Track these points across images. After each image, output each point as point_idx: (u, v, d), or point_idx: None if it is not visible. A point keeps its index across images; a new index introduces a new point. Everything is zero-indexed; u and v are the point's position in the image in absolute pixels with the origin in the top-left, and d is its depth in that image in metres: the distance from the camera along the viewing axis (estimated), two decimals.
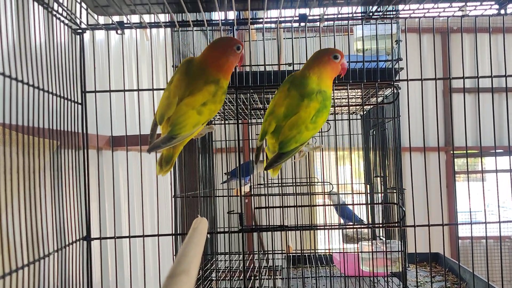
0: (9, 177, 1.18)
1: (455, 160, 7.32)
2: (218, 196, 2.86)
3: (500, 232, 1.82)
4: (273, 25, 1.78)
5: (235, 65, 1.40)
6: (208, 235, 1.62)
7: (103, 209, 2.15)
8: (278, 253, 3.42)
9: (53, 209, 1.47)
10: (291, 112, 1.38)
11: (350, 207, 3.12)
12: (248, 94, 2.00)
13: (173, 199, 2.23)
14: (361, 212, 3.91)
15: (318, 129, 1.45)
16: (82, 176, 1.70)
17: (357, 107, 3.04)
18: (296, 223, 1.88)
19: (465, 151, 1.91)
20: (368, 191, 3.34)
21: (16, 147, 1.26)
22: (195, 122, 1.31)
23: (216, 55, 1.36)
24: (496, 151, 6.59)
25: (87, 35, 2.01)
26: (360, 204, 3.41)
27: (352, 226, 1.93)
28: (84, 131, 1.71)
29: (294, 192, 1.99)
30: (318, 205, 2.36)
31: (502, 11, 1.63)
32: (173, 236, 2.03)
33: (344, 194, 3.59)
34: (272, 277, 2.93)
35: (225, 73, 1.37)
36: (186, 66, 1.37)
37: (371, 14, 1.70)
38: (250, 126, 3.29)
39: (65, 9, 1.50)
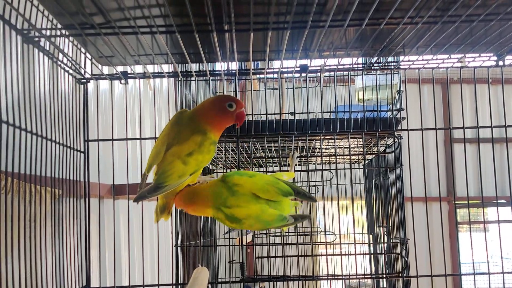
0: (10, 225, 1.18)
1: (458, 210, 7.28)
2: (220, 246, 2.84)
3: (504, 283, 1.79)
4: (275, 75, 1.80)
5: (229, 122, 1.37)
6: (209, 285, 1.60)
7: (103, 258, 2.13)
8: None
9: (54, 257, 1.46)
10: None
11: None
12: (251, 143, 2.01)
13: (174, 248, 2.22)
14: (364, 262, 3.87)
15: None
16: (83, 224, 1.69)
17: (359, 156, 3.05)
18: (298, 273, 1.86)
19: (466, 201, 1.90)
20: (371, 241, 3.31)
21: (17, 196, 1.26)
22: (180, 172, 1.28)
23: (207, 108, 1.35)
24: (498, 201, 6.56)
25: (91, 85, 2.03)
26: (363, 254, 3.37)
27: (355, 277, 1.91)
28: (86, 180, 1.71)
29: (297, 241, 1.97)
30: (321, 255, 2.35)
31: (501, 63, 1.66)
32: (174, 286, 2.01)
33: (347, 244, 3.57)
34: None
35: (214, 127, 1.34)
36: (177, 117, 1.36)
37: (371, 65, 1.72)
38: None
39: (70, 59, 1.53)
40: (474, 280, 1.81)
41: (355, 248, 1.97)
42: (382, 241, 3.00)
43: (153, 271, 3.04)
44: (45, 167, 1.38)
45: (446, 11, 1.20)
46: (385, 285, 3.02)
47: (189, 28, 1.20)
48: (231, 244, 2.99)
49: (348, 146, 2.53)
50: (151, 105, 3.19)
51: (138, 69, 1.67)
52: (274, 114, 2.46)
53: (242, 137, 1.95)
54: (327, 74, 1.77)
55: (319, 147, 2.65)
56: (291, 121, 2.18)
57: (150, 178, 1.34)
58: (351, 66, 1.70)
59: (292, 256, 1.97)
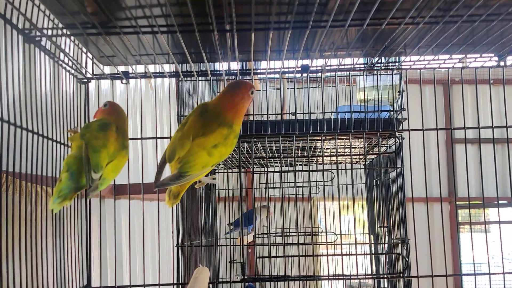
0: (11, 224, 1.18)
1: (459, 211, 7.28)
2: (221, 246, 2.83)
3: (504, 284, 1.79)
4: (276, 76, 1.80)
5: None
6: (210, 285, 1.60)
7: (104, 257, 2.13)
8: None
9: (55, 257, 1.46)
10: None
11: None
12: (252, 143, 2.01)
13: (175, 248, 2.22)
14: (365, 262, 3.87)
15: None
16: (84, 224, 1.69)
17: (360, 156, 3.05)
18: (299, 273, 1.86)
19: (467, 202, 1.90)
20: (372, 242, 3.31)
21: (19, 195, 1.26)
22: (204, 162, 1.31)
23: (236, 100, 1.36)
24: (499, 202, 6.55)
25: (92, 84, 2.04)
26: (364, 254, 3.37)
27: (356, 277, 1.91)
28: None
29: (297, 241, 1.97)
30: (322, 255, 2.35)
31: (502, 63, 1.65)
32: (175, 286, 2.01)
33: (348, 244, 3.56)
34: None
35: (239, 118, 1.37)
36: (201, 109, 1.37)
37: (372, 65, 1.72)
38: (253, 174, 3.29)
39: (71, 59, 1.53)
40: (475, 281, 1.81)
41: (356, 248, 1.97)
42: (383, 242, 3.00)
43: (154, 271, 3.04)
44: (46, 166, 1.38)
45: (448, 11, 1.20)
46: (386, 285, 3.02)
47: (191, 28, 1.20)
48: (232, 244, 2.99)
49: (349, 146, 2.53)
50: (152, 105, 3.19)
51: (140, 69, 1.68)
52: (275, 114, 2.46)
53: (243, 137, 1.95)
54: (328, 74, 1.77)
55: (320, 147, 2.65)
56: (292, 121, 2.18)
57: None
58: (352, 66, 1.70)
59: (293, 256, 1.97)
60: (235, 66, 1.66)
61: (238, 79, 1.65)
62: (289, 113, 2.36)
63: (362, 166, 3.66)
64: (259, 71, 1.79)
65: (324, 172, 2.05)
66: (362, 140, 2.41)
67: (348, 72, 1.78)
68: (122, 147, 1.35)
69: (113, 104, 1.44)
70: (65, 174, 1.23)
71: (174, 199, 1.41)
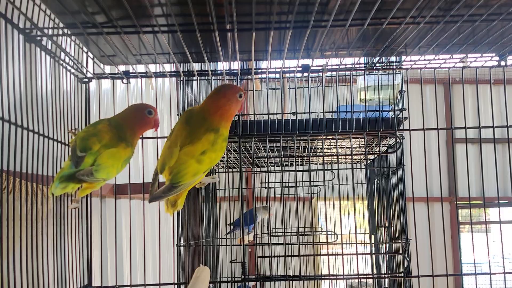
0: (12, 224, 1.18)
1: (459, 210, 7.28)
2: (221, 245, 2.83)
3: (505, 283, 1.79)
4: (277, 75, 1.80)
5: (236, 113, 1.40)
6: (211, 285, 1.60)
7: (105, 257, 2.13)
8: None
9: (55, 256, 1.46)
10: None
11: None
12: (252, 143, 2.01)
13: (176, 247, 2.22)
14: (366, 262, 3.87)
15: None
16: (85, 223, 1.69)
17: (361, 156, 3.05)
18: (300, 273, 1.86)
19: (468, 202, 1.90)
20: (373, 241, 3.31)
21: (19, 194, 1.26)
22: (195, 171, 1.30)
23: (220, 104, 1.35)
24: (500, 202, 6.55)
25: (93, 84, 2.03)
26: (364, 254, 3.37)
27: (357, 277, 1.91)
28: None
29: (298, 241, 1.97)
30: (322, 255, 2.34)
31: (503, 63, 1.65)
32: (176, 285, 2.01)
33: (349, 244, 3.57)
34: None
35: (226, 121, 1.36)
36: (187, 116, 1.37)
37: (373, 65, 1.72)
38: (254, 174, 3.29)
39: (72, 58, 1.53)
40: (476, 280, 1.81)
41: (356, 248, 1.97)
42: (384, 241, 3.00)
43: (154, 270, 3.04)
44: (46, 166, 1.38)
45: (448, 11, 1.20)
46: (386, 285, 3.02)
47: (191, 28, 1.20)
48: (232, 243, 3.00)
49: (350, 146, 2.53)
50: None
51: (140, 68, 1.67)
52: (276, 114, 2.45)
53: (244, 137, 1.95)
54: (329, 74, 1.76)
55: (320, 147, 2.65)
56: (293, 121, 2.18)
57: (160, 178, 1.34)
58: (353, 66, 1.70)
59: (294, 256, 1.97)
60: (236, 65, 1.66)
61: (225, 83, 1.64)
62: (290, 113, 2.36)
63: (363, 166, 3.66)
64: (259, 70, 1.78)
65: (325, 171, 2.05)
66: (362, 139, 2.41)
67: (348, 72, 1.78)
68: (120, 139, 1.35)
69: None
70: (68, 162, 1.24)
71: (172, 207, 1.41)
